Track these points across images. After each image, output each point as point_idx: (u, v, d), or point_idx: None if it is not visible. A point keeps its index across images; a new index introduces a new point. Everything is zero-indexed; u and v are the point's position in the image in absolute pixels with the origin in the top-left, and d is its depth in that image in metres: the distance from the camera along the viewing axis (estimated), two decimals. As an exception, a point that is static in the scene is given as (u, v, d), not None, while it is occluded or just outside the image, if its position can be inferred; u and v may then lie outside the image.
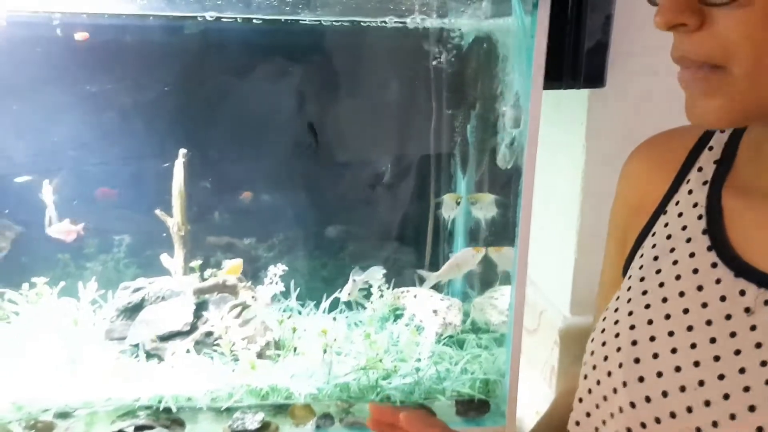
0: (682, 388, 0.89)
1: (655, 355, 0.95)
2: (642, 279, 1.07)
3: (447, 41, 2.79)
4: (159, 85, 2.86)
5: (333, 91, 3.11)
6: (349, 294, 2.78)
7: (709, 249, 0.98)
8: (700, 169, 1.10)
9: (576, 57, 2.30)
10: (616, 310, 1.08)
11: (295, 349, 2.54)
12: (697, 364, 0.89)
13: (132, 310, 2.65)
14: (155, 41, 2.80)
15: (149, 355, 2.53)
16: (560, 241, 2.65)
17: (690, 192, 1.08)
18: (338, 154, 3.21)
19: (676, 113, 1.21)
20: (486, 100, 2.65)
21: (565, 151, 2.58)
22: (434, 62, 2.87)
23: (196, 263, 2.94)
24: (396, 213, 3.22)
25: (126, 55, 2.82)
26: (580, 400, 1.09)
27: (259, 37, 2.75)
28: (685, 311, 0.96)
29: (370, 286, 2.95)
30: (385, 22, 2.54)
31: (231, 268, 2.87)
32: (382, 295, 3.06)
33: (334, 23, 2.58)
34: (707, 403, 0.85)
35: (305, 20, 2.50)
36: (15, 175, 2.84)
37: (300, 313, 3.05)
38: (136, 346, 2.55)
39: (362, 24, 2.59)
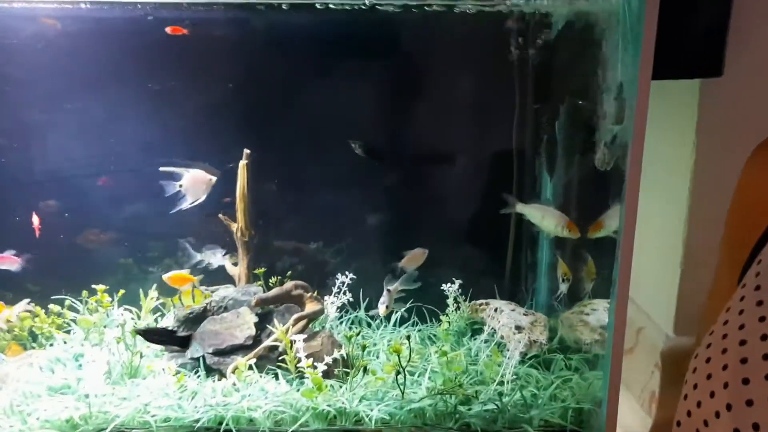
0: None
1: None
2: (758, 288, 0.95)
3: (532, 25, 2.52)
4: (220, 83, 2.71)
5: (404, 85, 2.88)
6: (386, 306, 2.54)
7: None
8: None
9: (689, 42, 1.99)
10: (725, 322, 0.97)
11: (365, 369, 2.33)
12: None
13: (194, 321, 2.50)
14: (218, 34, 2.65)
15: (210, 371, 2.37)
16: (663, 249, 2.34)
17: None
18: (411, 156, 2.98)
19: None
20: (580, 92, 2.36)
21: (671, 150, 2.27)
22: (516, 50, 2.60)
23: (260, 270, 2.77)
24: (474, 218, 2.96)
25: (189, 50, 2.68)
26: (678, 423, 0.97)
27: (327, 27, 2.56)
28: None
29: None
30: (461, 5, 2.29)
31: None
32: (458, 308, 2.81)
33: (397, 8, 2.34)
34: None
35: (381, 5, 2.28)
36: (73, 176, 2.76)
37: (369, 325, 2.84)
38: (197, 359, 2.39)
39: (434, 8, 2.35)
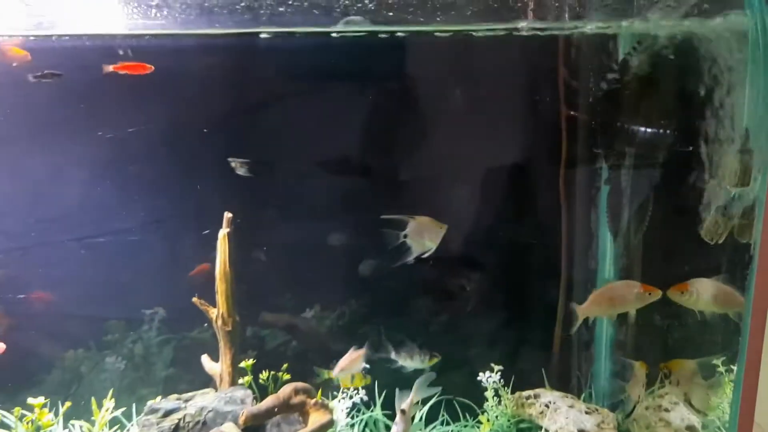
0: None
1: None
2: None
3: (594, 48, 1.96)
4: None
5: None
6: None
7: None
8: None
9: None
10: None
11: None
12: None
13: (162, 444, 1.88)
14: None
15: None
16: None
17: None
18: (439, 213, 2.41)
19: None
20: (670, 139, 1.80)
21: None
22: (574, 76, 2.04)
23: (247, 362, 2.15)
24: (514, 285, 2.39)
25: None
26: None
27: (376, 53, 2.00)
28: None
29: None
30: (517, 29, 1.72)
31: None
32: (500, 401, 2.23)
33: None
34: None
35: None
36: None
37: (388, 429, 2.24)
38: (168, 503, 1.77)
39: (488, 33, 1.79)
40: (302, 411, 1.97)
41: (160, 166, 2.14)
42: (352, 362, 2.10)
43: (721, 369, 2.23)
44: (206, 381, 2.15)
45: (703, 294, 1.89)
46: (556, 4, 1.74)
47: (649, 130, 1.89)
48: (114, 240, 2.12)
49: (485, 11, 1.63)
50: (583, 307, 2.08)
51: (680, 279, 1.89)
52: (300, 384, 2.01)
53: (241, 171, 2.16)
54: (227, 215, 2.04)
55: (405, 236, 2.08)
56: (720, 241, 1.60)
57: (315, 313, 2.63)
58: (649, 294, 1.98)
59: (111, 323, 2.39)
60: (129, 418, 2.12)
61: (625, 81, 1.86)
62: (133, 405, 2.13)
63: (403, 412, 1.92)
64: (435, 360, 2.19)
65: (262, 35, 1.95)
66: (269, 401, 1.93)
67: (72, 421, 2.06)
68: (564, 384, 2.33)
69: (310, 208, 2.36)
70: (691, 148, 1.65)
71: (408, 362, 2.15)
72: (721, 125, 1.53)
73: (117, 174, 2.10)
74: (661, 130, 1.82)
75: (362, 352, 2.12)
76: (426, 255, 2.10)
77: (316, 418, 1.94)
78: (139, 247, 2.18)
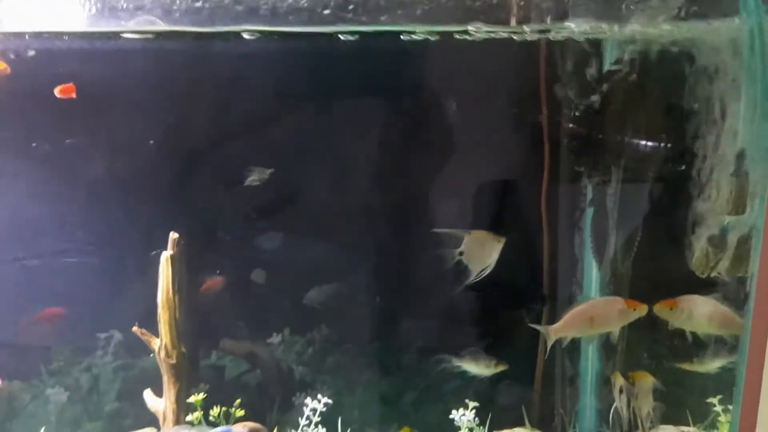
0: None
1: None
2: None
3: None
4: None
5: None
6: None
7: None
8: None
9: None
10: None
11: None
12: None
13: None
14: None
15: None
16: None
17: None
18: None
19: None
20: (659, 157, 1.61)
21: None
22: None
23: (197, 397, 1.96)
24: (490, 313, 2.20)
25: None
26: None
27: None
28: None
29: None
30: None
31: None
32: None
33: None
34: None
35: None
36: None
37: (354, 475, 2.05)
38: None
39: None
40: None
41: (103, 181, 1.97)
42: None
43: (718, 408, 2.04)
44: (154, 417, 1.96)
45: (694, 312, 1.71)
46: (544, 5, 1.57)
47: (635, 147, 1.71)
48: (51, 262, 1.94)
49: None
50: (557, 327, 1.88)
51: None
52: (250, 424, 1.82)
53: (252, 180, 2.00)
54: (172, 236, 1.86)
55: (460, 254, 1.88)
56: (712, 274, 1.41)
57: (283, 337, 2.46)
58: (634, 310, 1.79)
59: (55, 350, 2.22)
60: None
61: (608, 92, 1.68)
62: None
63: None
64: (501, 368, 1.99)
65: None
66: (216, 441, 1.74)
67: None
68: (546, 423, 2.13)
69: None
70: (682, 168, 1.46)
71: (472, 367, 1.99)
72: (713, 143, 1.34)
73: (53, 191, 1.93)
74: (648, 148, 1.64)
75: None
76: (485, 274, 1.89)
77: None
78: (80, 269, 2.01)
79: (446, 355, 1.99)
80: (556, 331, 1.89)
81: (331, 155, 2.22)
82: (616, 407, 1.94)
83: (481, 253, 1.84)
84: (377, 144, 2.20)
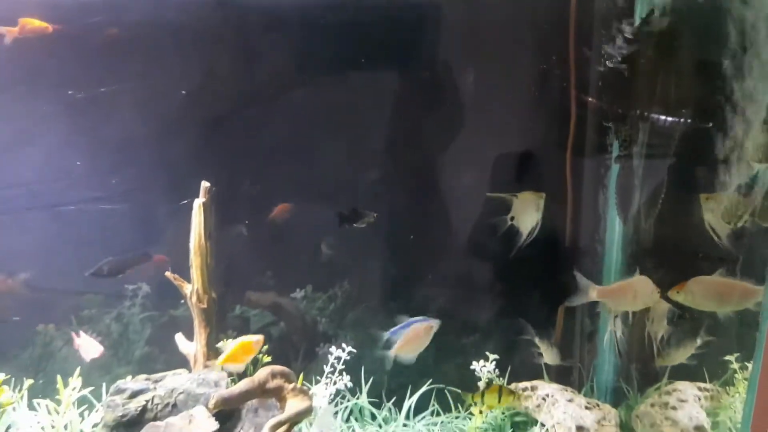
0: None
1: None
2: None
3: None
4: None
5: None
6: None
7: None
8: None
9: None
10: None
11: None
12: None
13: (128, 427, 1.76)
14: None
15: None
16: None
17: None
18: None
19: None
20: (684, 104, 1.62)
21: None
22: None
23: (225, 342, 2.02)
24: (513, 269, 2.23)
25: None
26: None
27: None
28: None
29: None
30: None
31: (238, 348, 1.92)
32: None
33: None
34: None
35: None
36: None
37: (374, 417, 2.11)
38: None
39: None
40: (279, 396, 1.83)
41: (134, 131, 2.00)
42: (417, 338, 1.95)
43: (735, 366, 2.07)
44: (184, 361, 2.02)
45: (701, 292, 1.74)
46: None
47: (664, 101, 1.72)
48: (85, 209, 1.99)
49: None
50: (601, 289, 1.92)
51: (694, 269, 1.73)
52: (278, 367, 1.86)
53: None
54: (204, 184, 1.90)
55: (512, 219, 1.92)
56: (739, 224, 1.43)
57: (306, 293, 2.51)
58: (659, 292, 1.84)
59: (88, 297, 2.28)
60: (99, 399, 2.00)
61: (638, 47, 1.69)
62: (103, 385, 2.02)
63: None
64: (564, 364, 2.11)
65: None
66: (243, 385, 1.79)
67: (38, 400, 1.95)
68: (564, 376, 2.17)
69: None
70: (711, 121, 1.47)
71: (546, 351, 2.08)
72: (746, 93, 1.35)
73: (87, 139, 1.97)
74: (679, 101, 1.65)
75: (429, 325, 1.94)
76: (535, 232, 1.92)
77: (293, 405, 1.80)
78: (112, 217, 2.05)
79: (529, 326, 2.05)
80: (599, 293, 1.92)
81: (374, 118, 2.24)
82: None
83: (530, 213, 1.88)
84: (412, 109, 2.22)
